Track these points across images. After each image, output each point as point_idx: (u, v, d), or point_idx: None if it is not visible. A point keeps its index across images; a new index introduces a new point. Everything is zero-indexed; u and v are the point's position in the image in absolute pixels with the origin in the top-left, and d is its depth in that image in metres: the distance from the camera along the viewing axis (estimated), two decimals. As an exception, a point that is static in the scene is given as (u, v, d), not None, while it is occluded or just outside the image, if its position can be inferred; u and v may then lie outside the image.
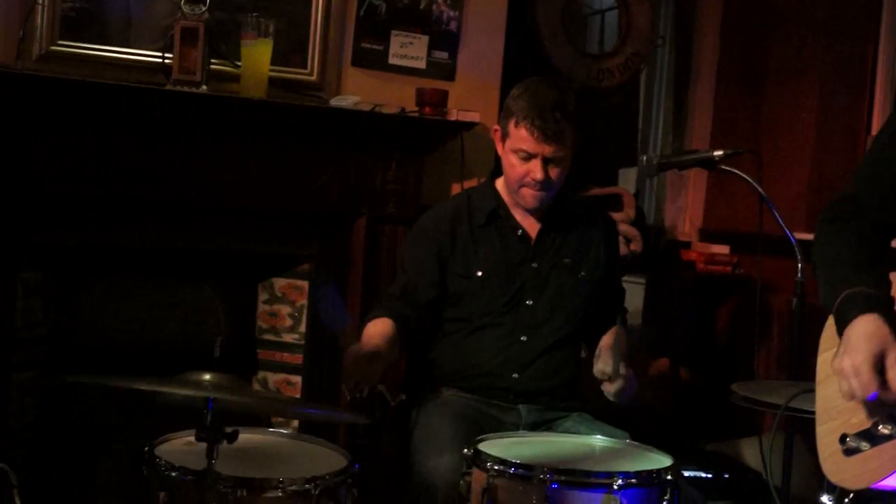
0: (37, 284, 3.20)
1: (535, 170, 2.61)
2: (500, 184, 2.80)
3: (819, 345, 2.02)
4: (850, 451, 1.84)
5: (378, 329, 2.56)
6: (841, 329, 1.81)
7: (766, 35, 4.31)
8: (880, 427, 1.79)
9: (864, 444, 1.82)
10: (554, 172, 2.63)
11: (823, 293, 1.92)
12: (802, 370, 3.08)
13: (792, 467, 2.88)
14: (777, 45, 4.26)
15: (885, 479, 1.79)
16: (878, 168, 1.95)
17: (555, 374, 2.71)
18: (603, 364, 2.53)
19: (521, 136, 2.59)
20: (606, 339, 2.66)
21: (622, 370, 2.49)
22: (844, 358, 1.75)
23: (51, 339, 3.25)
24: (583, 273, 2.76)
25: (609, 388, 2.51)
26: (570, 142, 2.62)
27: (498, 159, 2.87)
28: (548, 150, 2.59)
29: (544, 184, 2.63)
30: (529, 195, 2.67)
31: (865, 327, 1.75)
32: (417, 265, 2.73)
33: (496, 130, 2.74)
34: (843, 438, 1.85)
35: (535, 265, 2.72)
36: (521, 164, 2.62)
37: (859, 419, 1.85)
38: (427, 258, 2.72)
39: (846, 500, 1.97)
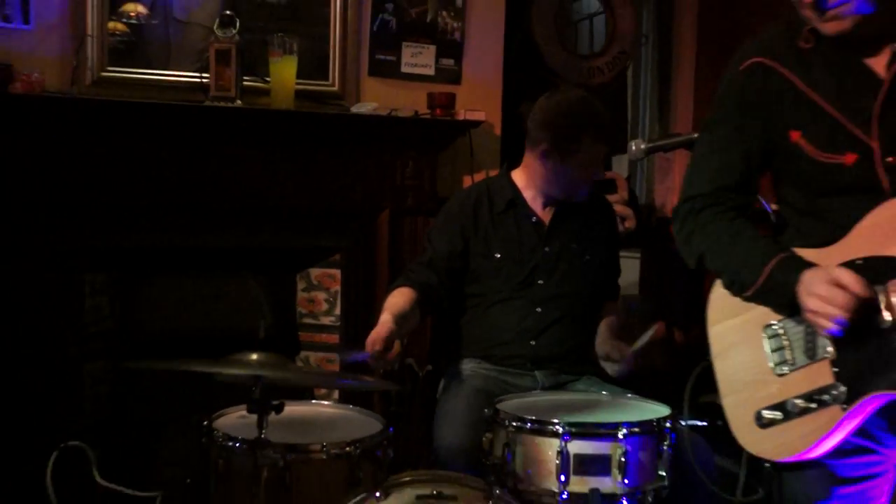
0: (102, 284, 3.23)
1: (598, 170, 2.70)
2: (516, 175, 2.78)
3: (707, 317, 1.93)
4: (764, 425, 1.78)
5: (395, 303, 2.49)
6: (781, 295, 1.74)
7: (737, 31, 4.29)
8: (795, 401, 1.74)
9: (778, 417, 1.76)
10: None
11: (731, 274, 1.84)
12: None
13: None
14: (747, 39, 4.23)
15: (803, 453, 1.74)
16: (713, 167, 1.90)
17: (567, 341, 2.69)
18: (609, 350, 2.67)
19: (595, 150, 2.62)
20: (608, 328, 2.75)
21: (623, 354, 2.61)
22: (811, 300, 1.67)
23: (117, 332, 3.28)
24: (587, 257, 2.75)
25: (611, 369, 2.62)
26: None
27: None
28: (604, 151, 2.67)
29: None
30: (585, 190, 2.72)
31: (813, 275, 1.69)
32: (443, 239, 2.70)
33: (545, 151, 2.61)
34: (758, 414, 1.78)
35: (547, 249, 2.71)
36: (585, 171, 2.64)
37: (768, 392, 1.79)
38: (452, 234, 2.69)
39: (766, 465, 1.85)
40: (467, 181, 3.54)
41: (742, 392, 1.84)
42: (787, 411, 1.76)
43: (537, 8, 4.06)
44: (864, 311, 1.64)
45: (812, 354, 1.75)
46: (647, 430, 2.13)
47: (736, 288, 1.85)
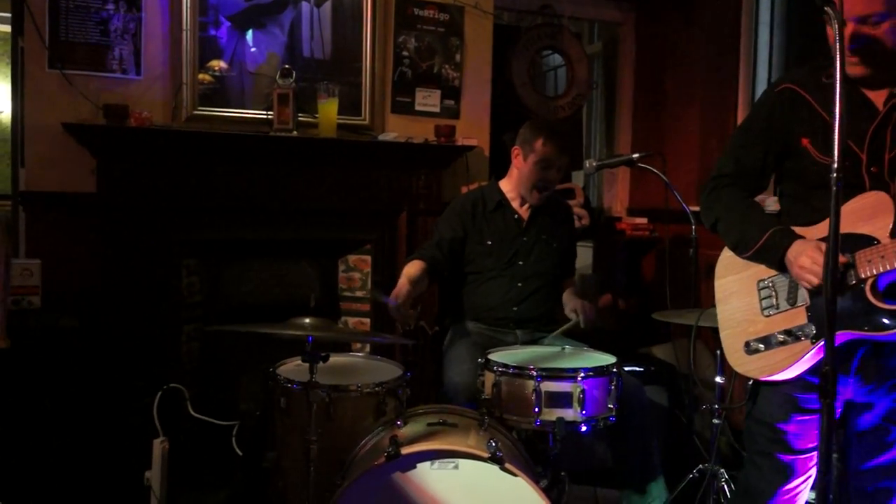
0: (195, 267, 3.20)
1: (554, 180, 2.62)
2: (502, 184, 2.76)
3: (716, 272, 1.93)
4: (751, 352, 1.79)
5: (410, 271, 2.49)
6: (775, 253, 1.75)
7: (663, 79, 4.25)
8: (777, 335, 1.75)
9: (762, 347, 1.77)
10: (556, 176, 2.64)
11: (739, 235, 1.83)
12: (698, 297, 3.05)
13: (696, 361, 2.84)
14: (671, 85, 4.19)
15: (779, 373, 1.75)
16: (739, 156, 1.90)
17: (540, 307, 2.68)
18: (573, 307, 2.62)
19: (546, 153, 2.57)
20: (571, 293, 2.70)
21: (585, 309, 2.58)
22: (802, 258, 1.69)
23: (206, 303, 3.25)
24: (555, 244, 2.73)
25: (576, 318, 2.59)
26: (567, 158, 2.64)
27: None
28: (556, 159, 2.58)
29: (551, 185, 2.63)
30: (537, 196, 2.65)
31: (804, 243, 1.72)
32: (448, 228, 2.69)
33: (517, 153, 2.66)
34: (747, 343, 1.79)
35: (525, 239, 2.69)
36: (541, 173, 2.59)
37: (756, 329, 1.79)
38: (455, 225, 2.68)
39: (749, 383, 1.87)
40: (464, 190, 3.50)
41: (736, 327, 1.84)
42: (769, 343, 1.76)
43: (516, 62, 4.02)
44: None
45: (793, 302, 1.76)
46: (599, 374, 2.11)
47: (740, 248, 1.84)
